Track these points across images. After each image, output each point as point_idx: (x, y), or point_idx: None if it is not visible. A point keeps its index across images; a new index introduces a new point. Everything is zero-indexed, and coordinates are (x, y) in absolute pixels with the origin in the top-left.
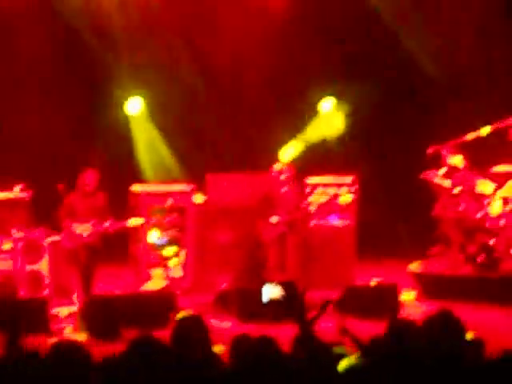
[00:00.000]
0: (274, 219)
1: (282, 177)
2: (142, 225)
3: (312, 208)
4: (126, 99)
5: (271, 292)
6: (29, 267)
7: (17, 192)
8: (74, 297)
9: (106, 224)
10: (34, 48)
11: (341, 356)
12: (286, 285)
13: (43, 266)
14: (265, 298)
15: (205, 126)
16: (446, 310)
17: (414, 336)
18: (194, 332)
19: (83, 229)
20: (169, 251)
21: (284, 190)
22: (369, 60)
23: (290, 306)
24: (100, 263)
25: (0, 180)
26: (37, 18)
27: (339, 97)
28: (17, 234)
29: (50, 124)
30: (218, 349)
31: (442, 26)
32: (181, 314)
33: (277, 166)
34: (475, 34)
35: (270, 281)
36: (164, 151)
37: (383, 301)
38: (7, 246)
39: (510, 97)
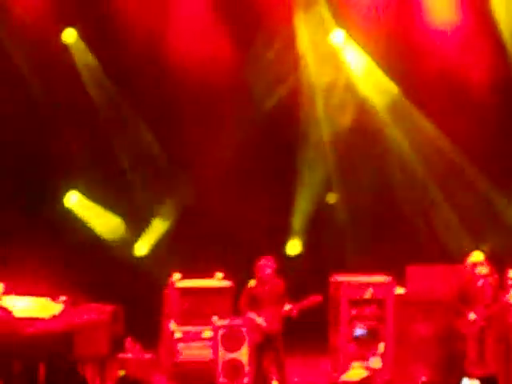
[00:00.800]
0: (472, 314)
1: (479, 269)
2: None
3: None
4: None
5: None
6: (229, 355)
7: (218, 280)
8: None
9: (286, 308)
10: (231, 138)
11: None
12: (486, 381)
13: (243, 354)
14: None
15: (405, 216)
16: None
17: None
18: None
19: (263, 319)
20: (368, 342)
21: (481, 283)
22: None
23: None
24: (293, 349)
25: (202, 268)
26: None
27: None
28: (218, 321)
29: (247, 213)
30: None
31: None
32: None
33: (473, 259)
34: None
35: (470, 375)
36: (364, 241)
37: None
38: (208, 333)
39: None
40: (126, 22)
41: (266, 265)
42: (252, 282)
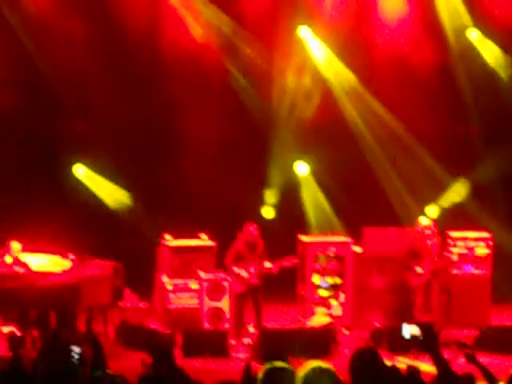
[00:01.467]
0: (419, 269)
1: (427, 231)
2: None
3: (453, 258)
4: (295, 162)
5: (411, 331)
6: (212, 304)
7: (203, 239)
8: (248, 329)
9: (267, 265)
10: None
11: None
12: (424, 325)
13: (224, 303)
14: (406, 336)
15: (362, 185)
16: None
17: None
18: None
19: (247, 273)
20: (325, 293)
21: (429, 242)
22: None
23: (428, 344)
24: (268, 299)
25: (189, 229)
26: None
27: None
28: (203, 275)
29: (229, 186)
30: None
31: None
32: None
33: (423, 222)
34: None
35: (413, 321)
36: (327, 208)
37: None
38: (195, 285)
39: None
40: (125, 16)
41: (252, 229)
42: (238, 242)
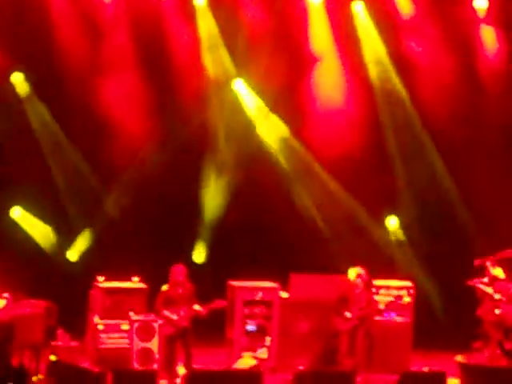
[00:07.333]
0: (348, 314)
1: (358, 281)
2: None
3: (378, 306)
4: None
5: None
6: (142, 344)
7: (135, 282)
8: (177, 369)
9: (196, 308)
10: None
11: None
12: None
13: (154, 344)
14: None
15: (287, 232)
16: None
17: None
18: None
19: (176, 315)
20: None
21: (358, 291)
22: None
23: None
24: (195, 341)
25: (120, 273)
26: None
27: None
28: (133, 316)
29: (160, 230)
30: None
31: None
32: None
33: (356, 271)
34: None
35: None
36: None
37: None
38: (125, 326)
39: None
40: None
41: (179, 271)
42: (165, 287)
